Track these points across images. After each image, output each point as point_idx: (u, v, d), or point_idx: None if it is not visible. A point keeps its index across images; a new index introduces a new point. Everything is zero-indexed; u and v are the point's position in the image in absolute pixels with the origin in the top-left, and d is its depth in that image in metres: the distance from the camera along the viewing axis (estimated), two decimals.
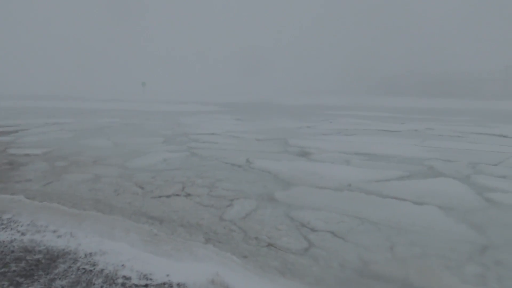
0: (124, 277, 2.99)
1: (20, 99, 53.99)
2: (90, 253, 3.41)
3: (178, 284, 2.92)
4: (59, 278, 2.92)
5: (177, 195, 5.72)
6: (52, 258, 3.28)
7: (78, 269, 3.09)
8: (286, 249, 3.87)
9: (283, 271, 3.42)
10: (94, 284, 2.85)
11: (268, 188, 6.10)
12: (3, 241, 3.63)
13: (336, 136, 13.74)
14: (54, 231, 3.94)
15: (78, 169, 7.28)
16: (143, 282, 2.93)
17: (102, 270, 3.09)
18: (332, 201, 5.38)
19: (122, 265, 3.18)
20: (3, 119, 19.07)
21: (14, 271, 3.02)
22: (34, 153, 8.83)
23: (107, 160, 8.27)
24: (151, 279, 2.97)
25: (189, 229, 4.34)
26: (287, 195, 5.69)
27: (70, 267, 3.11)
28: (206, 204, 5.29)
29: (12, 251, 3.40)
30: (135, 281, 2.94)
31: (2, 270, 3.02)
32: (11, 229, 3.98)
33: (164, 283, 2.93)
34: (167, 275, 3.03)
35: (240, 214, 4.87)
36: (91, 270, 3.07)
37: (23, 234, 3.84)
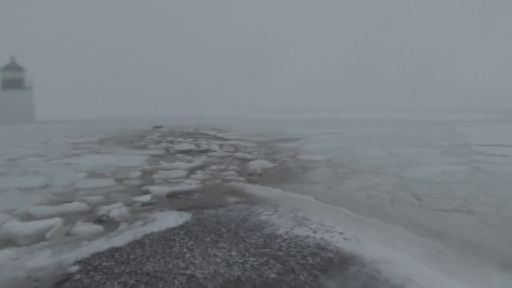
0: None
1: (288, 111, 62.27)
2: (375, 260, 3.50)
3: None
4: (350, 279, 3.12)
5: (457, 210, 5.20)
6: (342, 259, 3.56)
7: (366, 274, 3.22)
8: None
9: None
10: None
11: None
12: (300, 236, 4.20)
13: None
14: (341, 233, 4.28)
15: (356, 176, 7.71)
16: None
17: (387, 279, 3.12)
18: None
19: (408, 278, 3.11)
20: (289, 129, 22.56)
21: (312, 264, 3.43)
22: (318, 159, 9.97)
23: (383, 169, 8.42)
24: None
25: (476, 250, 3.85)
26: None
27: (359, 270, 3.29)
28: (492, 224, 4.58)
29: (308, 246, 3.89)
30: None
31: (302, 262, 3.49)
32: (305, 226, 4.57)
33: None
34: None
35: None
36: (377, 278, 3.15)
37: (314, 231, 4.34)
